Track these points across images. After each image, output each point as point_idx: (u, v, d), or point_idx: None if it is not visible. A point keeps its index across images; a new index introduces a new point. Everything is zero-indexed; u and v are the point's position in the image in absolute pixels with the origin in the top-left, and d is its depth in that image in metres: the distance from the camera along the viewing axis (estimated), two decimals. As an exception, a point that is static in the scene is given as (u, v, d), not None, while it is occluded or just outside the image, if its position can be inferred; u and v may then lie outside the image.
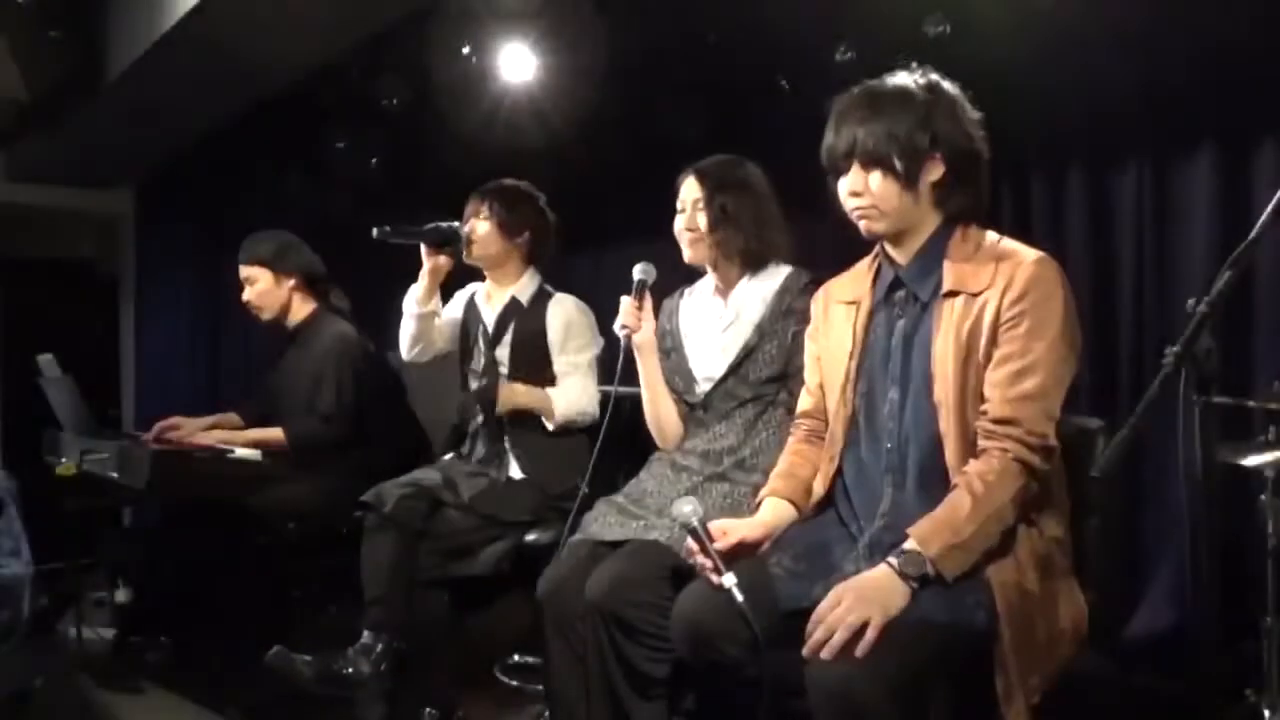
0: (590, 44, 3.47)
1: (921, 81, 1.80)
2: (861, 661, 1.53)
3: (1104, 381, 3.00)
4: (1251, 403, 2.19)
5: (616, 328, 2.40)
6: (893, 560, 1.64)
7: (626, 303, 2.40)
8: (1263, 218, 1.34)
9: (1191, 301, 1.31)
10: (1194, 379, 1.30)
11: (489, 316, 2.99)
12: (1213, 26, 2.70)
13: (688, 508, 1.82)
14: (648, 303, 2.42)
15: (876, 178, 1.77)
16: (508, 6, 3.43)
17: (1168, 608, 2.90)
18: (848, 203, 1.82)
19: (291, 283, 3.39)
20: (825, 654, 1.55)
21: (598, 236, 4.46)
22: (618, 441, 2.51)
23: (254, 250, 3.37)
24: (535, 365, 2.89)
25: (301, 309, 3.43)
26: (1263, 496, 2.23)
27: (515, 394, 2.85)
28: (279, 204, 4.69)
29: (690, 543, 1.83)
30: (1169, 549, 2.90)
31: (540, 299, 2.95)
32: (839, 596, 1.60)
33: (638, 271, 2.43)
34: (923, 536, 1.64)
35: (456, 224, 2.90)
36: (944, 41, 2.98)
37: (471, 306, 3.06)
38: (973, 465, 1.68)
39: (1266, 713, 2.17)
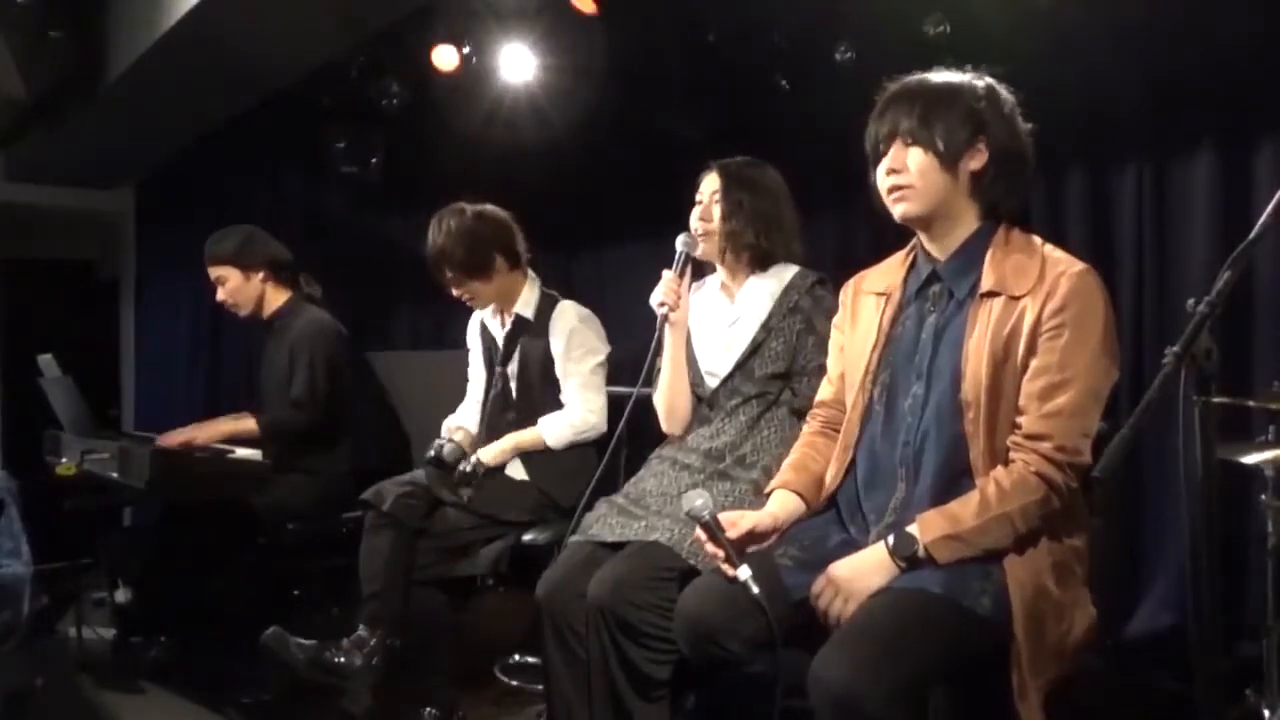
0: (590, 44, 3.47)
1: (977, 80, 1.79)
2: (864, 663, 1.52)
3: (1104, 381, 3.00)
4: (1251, 403, 2.19)
5: (653, 303, 2.35)
6: (888, 538, 1.68)
7: (667, 277, 2.34)
8: (1263, 218, 1.34)
9: (1191, 301, 1.31)
10: (1194, 379, 1.30)
11: (498, 333, 2.99)
12: (1213, 26, 2.70)
13: (699, 501, 1.81)
14: (687, 277, 2.39)
15: (917, 154, 1.75)
16: (508, 6, 3.43)
17: (1168, 608, 2.90)
18: (885, 182, 1.79)
19: (260, 275, 3.39)
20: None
21: (598, 236, 4.47)
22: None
23: (217, 250, 3.37)
24: (542, 379, 2.86)
25: (275, 299, 3.44)
26: (1263, 496, 2.23)
27: (502, 452, 2.82)
28: (279, 204, 4.69)
29: (700, 534, 1.82)
30: (1169, 549, 2.90)
31: (545, 309, 2.93)
32: (821, 585, 1.68)
33: (680, 243, 2.38)
34: (924, 522, 1.67)
35: (441, 442, 2.84)
36: (944, 41, 2.99)
37: (484, 329, 3.06)
38: (997, 470, 1.68)
39: (1266, 713, 2.16)
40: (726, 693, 2.16)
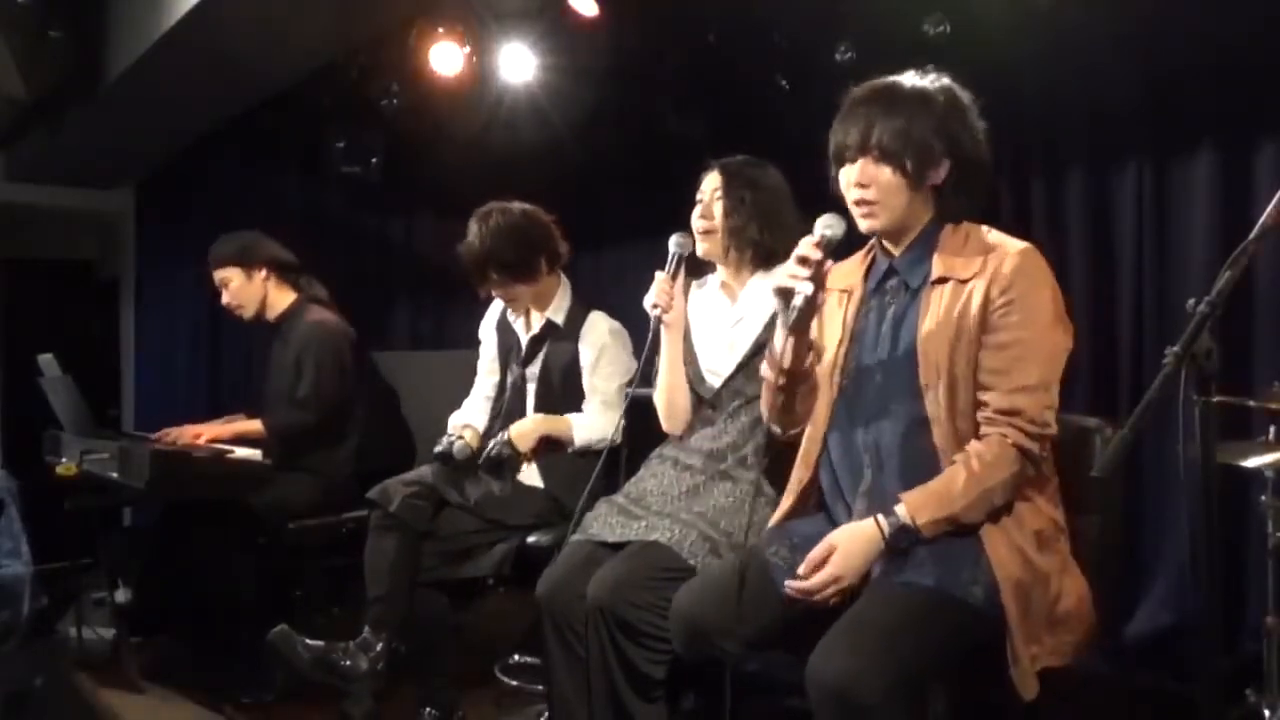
0: (590, 44, 3.47)
1: (938, 85, 1.82)
2: (861, 657, 1.54)
3: (1104, 381, 3.00)
4: (1251, 403, 2.19)
5: (647, 305, 2.36)
6: (883, 525, 1.70)
7: (660, 278, 2.36)
8: (1263, 218, 1.34)
9: (1191, 301, 1.31)
10: (1194, 379, 1.30)
11: (521, 334, 2.96)
12: (1213, 26, 2.70)
13: (834, 220, 1.77)
14: (680, 279, 2.39)
15: (885, 173, 1.78)
16: (508, 6, 3.43)
17: (1168, 608, 2.90)
18: (850, 193, 1.82)
19: (263, 274, 3.40)
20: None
21: (597, 236, 4.46)
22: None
23: (219, 253, 3.39)
24: (563, 386, 2.85)
25: (280, 300, 3.45)
26: (1263, 496, 2.24)
27: (533, 430, 2.79)
28: (279, 204, 4.69)
29: (815, 240, 1.76)
30: (1169, 549, 2.90)
31: (575, 316, 2.89)
32: (825, 580, 1.71)
33: (673, 244, 2.39)
34: (915, 506, 1.70)
35: (450, 439, 2.83)
36: (944, 41, 2.98)
37: (503, 326, 3.02)
38: (973, 445, 1.72)
39: (1266, 713, 2.17)
40: (725, 692, 2.16)
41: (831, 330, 1.94)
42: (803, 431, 1.98)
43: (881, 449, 1.81)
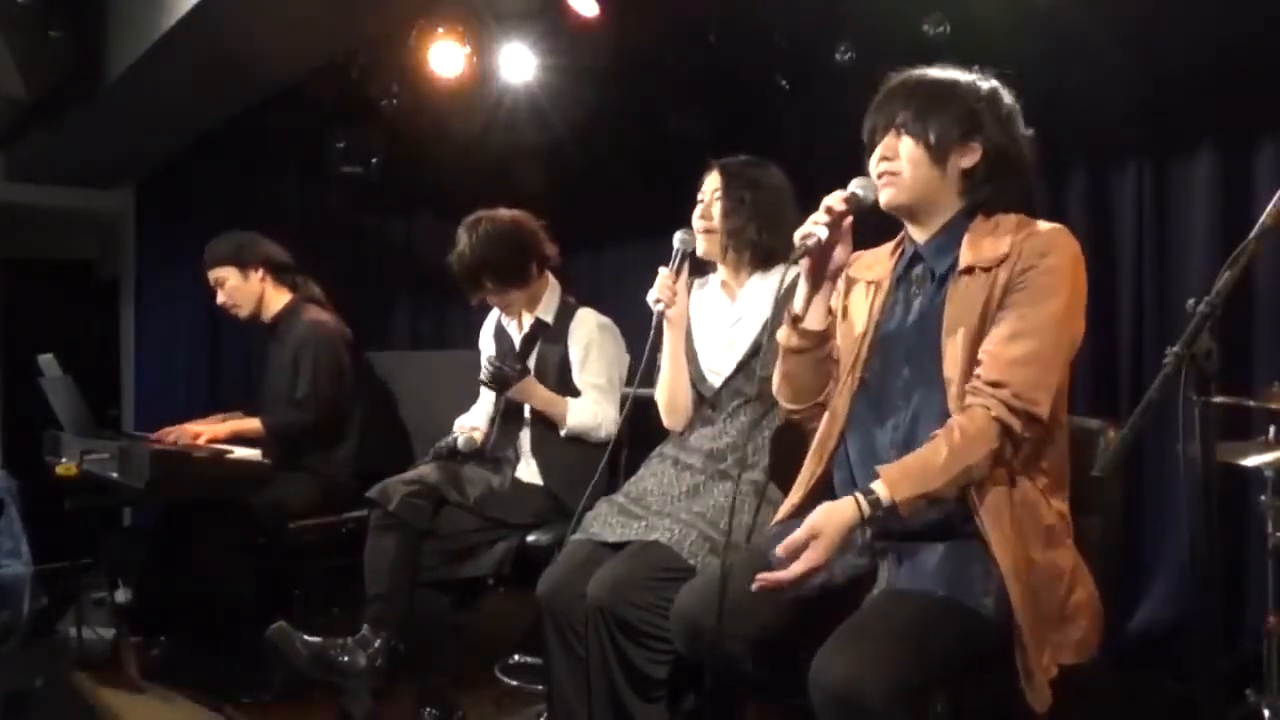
0: (590, 44, 3.47)
1: (977, 80, 1.82)
2: (865, 661, 1.53)
3: (1104, 381, 3.00)
4: (1251, 403, 2.19)
5: (650, 300, 2.37)
6: (862, 503, 1.66)
7: (663, 274, 2.37)
8: (1263, 218, 1.34)
9: (1191, 301, 1.31)
10: (1194, 379, 1.30)
11: (515, 335, 2.98)
12: (1213, 26, 2.70)
13: (866, 180, 1.83)
14: (684, 275, 2.40)
15: (908, 144, 1.79)
16: (508, 6, 3.43)
17: (1168, 608, 2.90)
18: (877, 169, 1.83)
19: (259, 274, 3.41)
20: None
21: (597, 236, 4.47)
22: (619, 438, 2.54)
23: (215, 252, 3.40)
24: (558, 383, 2.85)
25: (276, 300, 3.45)
26: (1263, 496, 2.24)
27: (534, 389, 2.80)
28: (279, 204, 4.69)
29: (844, 195, 1.82)
30: (1169, 549, 2.90)
31: (564, 315, 2.91)
32: (807, 549, 1.65)
33: (677, 240, 2.40)
34: (893, 481, 1.66)
35: (455, 436, 2.90)
36: (944, 41, 2.99)
37: (499, 332, 3.04)
38: (955, 418, 1.69)
39: (1266, 713, 2.17)
40: (726, 693, 2.16)
41: (857, 320, 1.91)
42: (811, 413, 1.96)
43: (911, 445, 1.76)
